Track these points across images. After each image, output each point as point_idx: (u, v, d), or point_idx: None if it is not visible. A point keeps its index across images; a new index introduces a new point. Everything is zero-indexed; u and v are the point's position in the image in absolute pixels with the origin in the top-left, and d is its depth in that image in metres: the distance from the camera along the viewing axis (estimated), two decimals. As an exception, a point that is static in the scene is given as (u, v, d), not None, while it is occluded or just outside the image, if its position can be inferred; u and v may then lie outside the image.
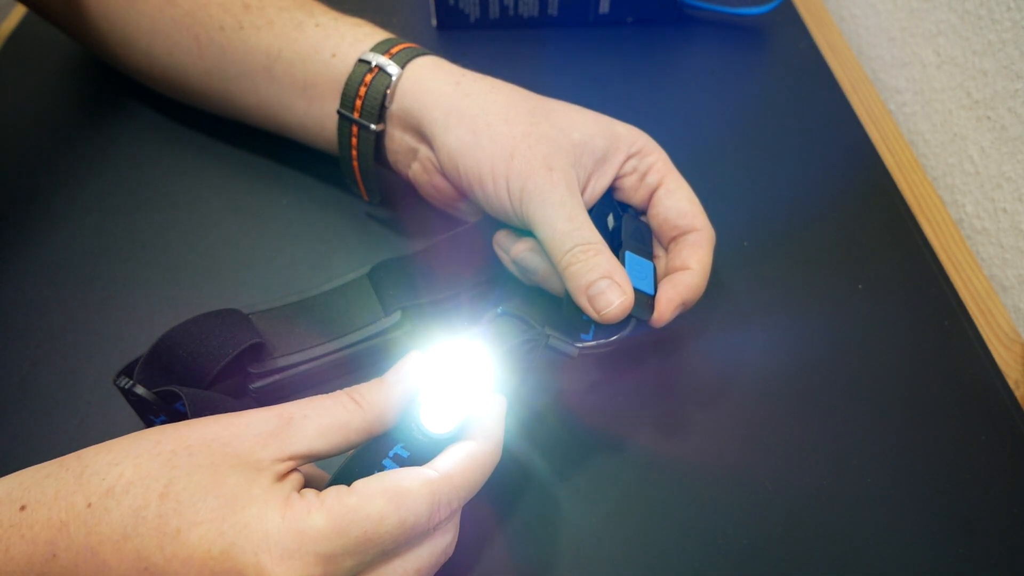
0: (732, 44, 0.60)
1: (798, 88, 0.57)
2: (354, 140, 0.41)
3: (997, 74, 0.49)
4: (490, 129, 0.37)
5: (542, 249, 0.40)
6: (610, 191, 0.40)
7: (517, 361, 0.34)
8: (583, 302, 0.35)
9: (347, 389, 0.29)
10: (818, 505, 0.36)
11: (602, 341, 0.35)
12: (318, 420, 0.28)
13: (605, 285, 0.34)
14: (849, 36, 0.66)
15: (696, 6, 0.62)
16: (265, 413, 0.28)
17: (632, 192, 0.39)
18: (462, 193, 0.41)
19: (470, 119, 0.37)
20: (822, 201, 0.49)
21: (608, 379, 0.40)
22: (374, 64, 0.39)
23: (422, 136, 0.39)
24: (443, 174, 0.40)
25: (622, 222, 0.38)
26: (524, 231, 0.41)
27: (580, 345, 0.35)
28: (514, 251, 0.40)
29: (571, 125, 0.38)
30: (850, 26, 0.66)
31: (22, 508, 0.26)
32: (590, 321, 0.36)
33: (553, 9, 0.59)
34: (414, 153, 0.41)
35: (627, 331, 0.35)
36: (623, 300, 0.34)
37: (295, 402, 0.29)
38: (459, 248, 0.41)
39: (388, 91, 0.39)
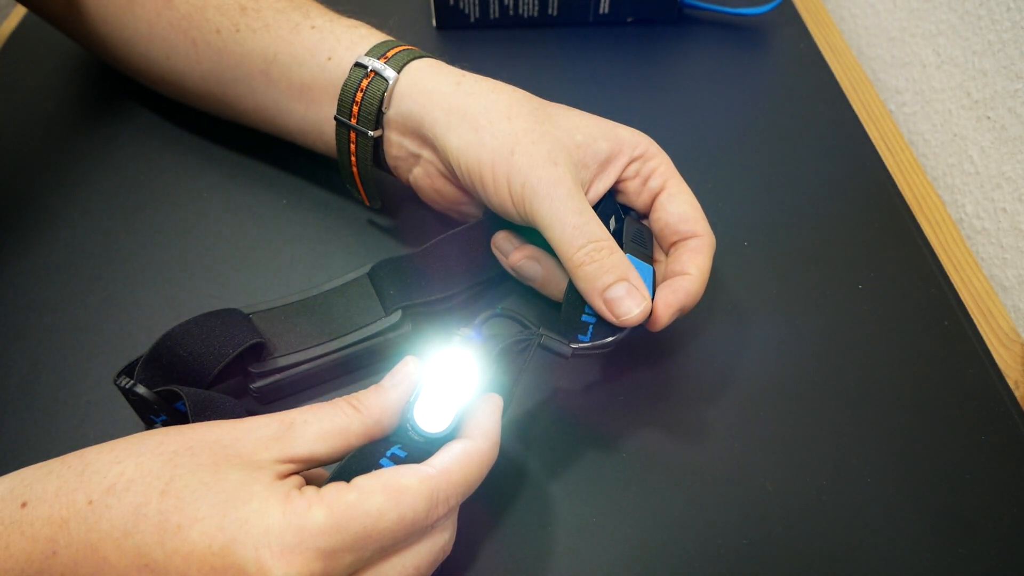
0: (732, 44, 0.60)
1: (798, 88, 0.57)
2: (352, 146, 0.41)
3: (997, 74, 0.49)
4: (492, 126, 0.36)
5: (546, 252, 0.40)
6: (612, 193, 0.39)
7: (510, 361, 0.34)
8: (599, 304, 0.34)
9: (345, 396, 0.30)
10: (818, 505, 0.36)
11: (598, 343, 0.35)
12: (318, 425, 0.28)
13: (623, 290, 0.34)
14: (849, 36, 0.66)
15: (696, 6, 0.62)
16: (266, 419, 0.28)
17: (635, 196, 0.39)
18: (467, 193, 0.41)
19: (472, 117, 0.37)
20: (822, 201, 0.49)
21: (607, 378, 0.40)
22: (370, 69, 0.39)
23: (423, 140, 0.39)
24: (446, 177, 0.40)
25: (623, 225, 0.38)
26: (526, 230, 0.41)
27: (575, 346, 0.35)
28: (512, 259, 0.40)
29: (574, 127, 0.37)
30: (850, 26, 0.67)
31: (23, 505, 0.26)
32: (588, 322, 0.36)
33: (553, 9, 0.59)
34: (416, 158, 0.41)
35: (623, 334, 0.35)
36: (643, 308, 0.34)
37: (295, 409, 0.29)
38: (459, 247, 0.41)
39: (385, 95, 0.39)
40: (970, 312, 0.43)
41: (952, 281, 0.45)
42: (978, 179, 0.51)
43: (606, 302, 0.34)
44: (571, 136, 0.37)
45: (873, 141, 0.53)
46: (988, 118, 0.50)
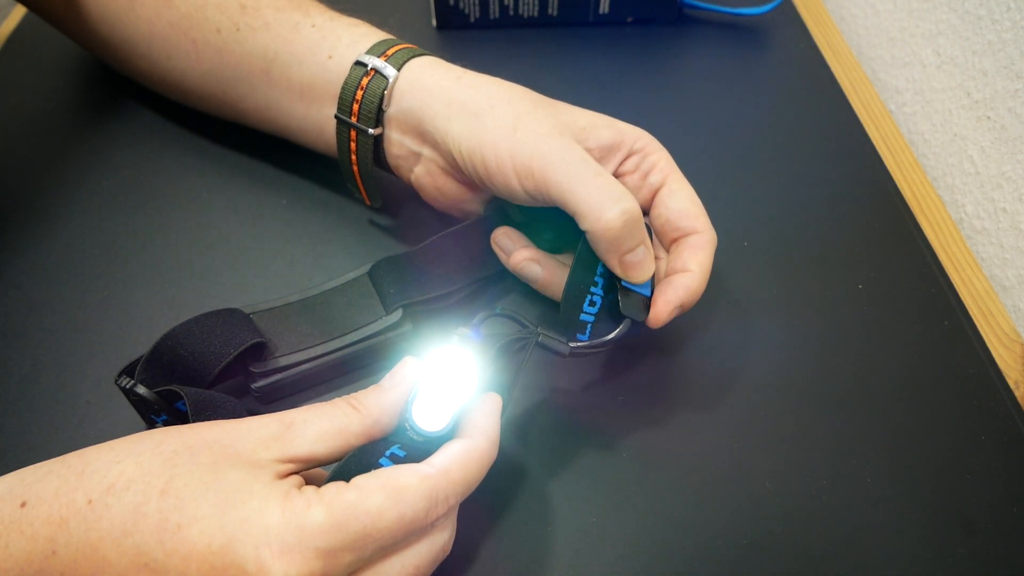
0: (732, 44, 0.60)
1: (798, 88, 0.57)
2: (353, 144, 0.41)
3: (997, 74, 0.49)
4: (493, 110, 0.36)
5: (546, 253, 0.39)
6: None
7: (509, 359, 0.34)
8: (614, 264, 0.34)
9: (345, 396, 0.30)
10: (818, 505, 0.36)
11: (596, 342, 0.35)
12: (318, 424, 0.28)
13: (642, 254, 0.34)
14: (849, 36, 0.66)
15: (696, 6, 0.62)
16: (266, 418, 0.28)
17: (634, 191, 0.39)
18: (470, 190, 0.41)
19: (472, 104, 0.37)
20: (822, 201, 0.49)
21: (607, 378, 0.40)
22: (370, 67, 0.39)
23: (424, 136, 0.39)
24: (449, 174, 0.40)
25: None
26: (527, 226, 0.40)
27: (574, 345, 0.35)
28: (513, 261, 0.39)
29: (577, 114, 0.38)
30: (850, 26, 0.67)
31: (23, 504, 0.26)
32: (587, 321, 0.36)
33: (553, 9, 0.59)
34: (417, 157, 0.40)
35: (622, 332, 0.35)
36: (652, 270, 0.35)
37: (295, 409, 0.29)
38: (459, 244, 0.41)
39: (385, 93, 0.39)
40: (970, 312, 0.43)
41: (952, 281, 0.45)
42: (978, 179, 0.51)
43: (624, 264, 0.34)
44: (574, 120, 0.37)
45: (873, 141, 0.53)
46: (988, 118, 0.50)
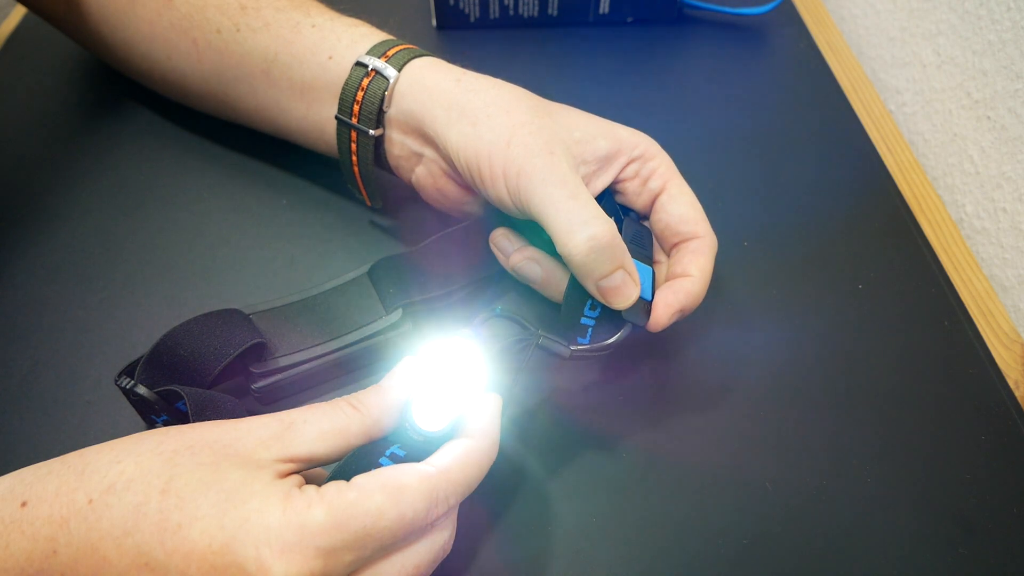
0: (732, 44, 0.60)
1: (798, 88, 0.57)
2: (353, 145, 0.41)
3: (997, 74, 0.49)
4: (490, 120, 0.36)
5: (545, 253, 0.39)
6: (610, 194, 0.39)
7: (509, 360, 0.34)
8: (593, 290, 0.34)
9: (345, 396, 0.30)
10: (818, 505, 0.36)
11: (596, 345, 0.35)
12: (318, 424, 0.28)
13: (620, 279, 0.34)
14: (849, 36, 0.66)
15: (696, 6, 0.62)
16: (266, 418, 0.28)
17: (635, 196, 0.39)
18: (470, 193, 0.40)
19: (471, 112, 0.37)
20: (822, 201, 0.49)
21: (606, 378, 0.40)
22: (371, 67, 0.39)
23: (425, 138, 0.39)
24: (449, 176, 0.40)
25: (623, 226, 0.38)
26: (524, 226, 0.41)
27: (575, 348, 0.35)
28: (512, 260, 0.39)
29: (573, 124, 0.37)
30: (850, 26, 0.67)
31: (23, 504, 0.26)
32: (588, 325, 0.36)
33: (553, 9, 0.59)
34: (418, 158, 0.40)
35: (623, 335, 0.35)
36: (636, 297, 0.34)
37: (295, 409, 0.29)
38: (458, 244, 0.41)
39: (386, 94, 0.39)
40: (970, 312, 0.43)
41: (952, 281, 0.45)
42: (978, 179, 0.51)
43: (600, 289, 0.34)
44: (570, 132, 0.37)
45: (873, 141, 0.53)
46: (988, 118, 0.50)
